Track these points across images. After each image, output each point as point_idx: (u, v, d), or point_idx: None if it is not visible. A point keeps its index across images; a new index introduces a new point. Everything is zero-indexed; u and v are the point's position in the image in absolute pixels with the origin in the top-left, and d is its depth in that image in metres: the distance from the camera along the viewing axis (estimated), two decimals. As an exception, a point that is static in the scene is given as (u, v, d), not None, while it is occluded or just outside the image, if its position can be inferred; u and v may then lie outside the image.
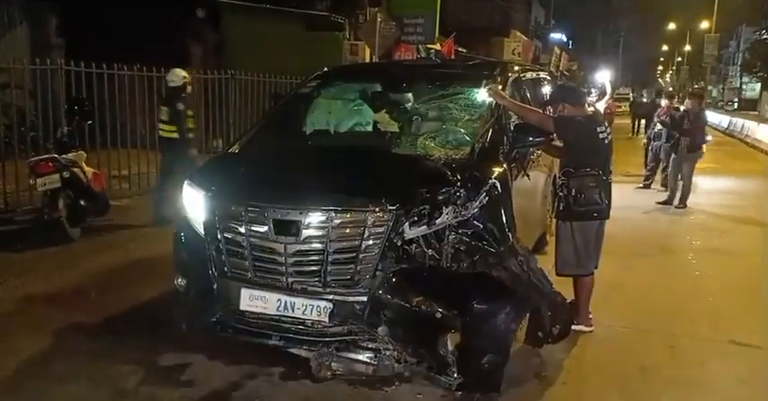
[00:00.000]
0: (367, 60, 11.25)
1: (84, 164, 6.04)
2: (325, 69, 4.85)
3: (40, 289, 4.44)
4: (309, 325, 2.97)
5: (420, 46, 13.21)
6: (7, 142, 6.92)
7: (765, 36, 34.46)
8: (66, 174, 5.60)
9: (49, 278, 4.68)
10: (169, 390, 3.08)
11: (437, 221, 2.98)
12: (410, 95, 4.46)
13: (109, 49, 7.83)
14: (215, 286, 3.13)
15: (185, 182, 3.47)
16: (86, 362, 3.34)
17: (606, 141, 3.80)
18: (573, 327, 3.62)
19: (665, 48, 64.39)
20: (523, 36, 25.61)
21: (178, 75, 6.39)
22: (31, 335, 3.67)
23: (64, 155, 5.76)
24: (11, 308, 4.08)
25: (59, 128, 6.54)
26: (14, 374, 3.24)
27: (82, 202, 5.80)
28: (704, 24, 42.97)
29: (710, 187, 9.63)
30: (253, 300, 3.03)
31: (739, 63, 38.11)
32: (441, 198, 3.01)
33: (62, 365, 3.32)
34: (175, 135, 6.24)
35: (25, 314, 4.01)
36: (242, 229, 3.05)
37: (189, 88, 6.46)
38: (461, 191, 3.04)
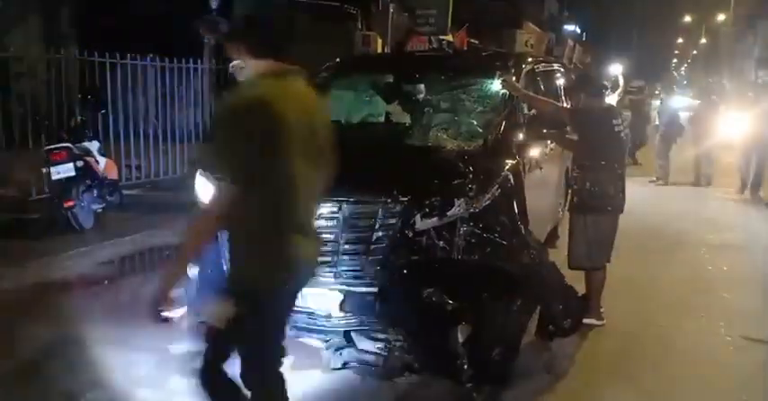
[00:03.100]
0: (379, 51, 11.20)
1: (97, 154, 6.08)
2: (337, 60, 4.84)
3: (52, 277, 4.49)
4: (320, 315, 2.98)
5: (432, 37, 13.12)
6: (21, 131, 6.97)
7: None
8: (79, 163, 5.64)
9: (61, 266, 4.73)
10: (181, 378, 3.10)
11: (448, 213, 2.97)
12: (423, 86, 4.43)
13: (121, 40, 7.85)
14: (226, 276, 3.14)
15: (198, 170, 3.47)
16: (99, 349, 3.37)
17: (622, 134, 3.77)
18: (584, 321, 3.61)
19: (680, 40, 63.62)
20: (536, 28, 25.36)
21: (234, 64, 6.63)
22: (44, 322, 3.72)
23: (77, 144, 5.80)
24: (24, 295, 4.13)
25: (73, 117, 6.58)
26: (28, 360, 3.28)
27: (95, 191, 5.84)
28: (721, 17, 42.38)
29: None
30: (264, 290, 3.03)
31: (756, 57, 37.55)
32: (452, 190, 3.00)
33: (74, 352, 3.35)
34: None
35: (38, 301, 4.06)
36: (254, 219, 3.05)
37: (240, 77, 6.63)
38: (473, 183, 3.03)
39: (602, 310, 3.85)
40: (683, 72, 69.48)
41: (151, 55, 7.90)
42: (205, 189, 3.34)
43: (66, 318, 3.79)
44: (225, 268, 3.13)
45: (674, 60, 73.71)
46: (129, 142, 7.73)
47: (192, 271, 3.35)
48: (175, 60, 8.16)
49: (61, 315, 3.84)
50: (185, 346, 3.39)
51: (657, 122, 9.89)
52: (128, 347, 3.40)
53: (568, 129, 3.87)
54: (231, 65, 7.72)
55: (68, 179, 5.54)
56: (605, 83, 4.61)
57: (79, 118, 6.31)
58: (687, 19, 52.96)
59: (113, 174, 6.26)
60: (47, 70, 7.23)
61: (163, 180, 7.65)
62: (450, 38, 14.02)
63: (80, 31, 10.74)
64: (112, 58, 7.41)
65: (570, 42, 28.11)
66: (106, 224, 5.88)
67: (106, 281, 4.45)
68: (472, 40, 15.81)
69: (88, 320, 3.78)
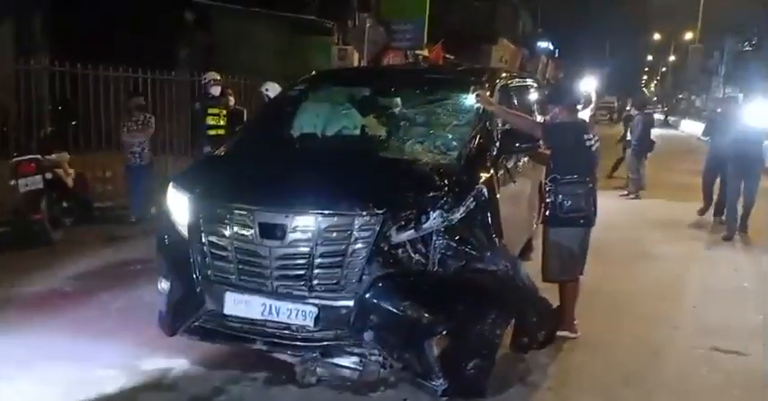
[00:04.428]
0: (355, 65, 11.26)
1: (66, 166, 5.97)
2: (314, 73, 4.84)
3: (20, 292, 4.36)
4: (294, 329, 2.94)
5: (409, 52, 13.25)
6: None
7: (747, 48, 35.08)
8: (48, 175, 5.54)
9: (29, 280, 4.60)
10: (151, 395, 3.04)
11: (424, 226, 2.97)
12: (398, 100, 4.46)
13: (94, 51, 7.75)
14: (198, 289, 3.09)
15: (170, 183, 3.43)
16: (67, 366, 3.28)
17: (593, 148, 3.83)
18: (558, 333, 3.63)
19: (650, 58, 65.36)
20: (511, 44, 25.82)
21: (205, 76, 7.08)
22: (10, 338, 3.60)
23: (47, 156, 5.69)
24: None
25: (43, 128, 6.47)
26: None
27: (64, 204, 5.74)
28: (689, 35, 43.66)
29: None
30: (237, 304, 2.99)
31: (722, 73, 38.71)
32: (428, 202, 3.00)
33: (42, 369, 3.25)
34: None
35: (4, 317, 3.93)
36: (227, 232, 3.02)
37: (213, 89, 6.76)
38: (449, 195, 3.04)
39: (576, 322, 3.88)
40: (652, 88, 71.30)
41: (123, 66, 7.80)
42: (176, 202, 3.30)
43: (33, 334, 3.67)
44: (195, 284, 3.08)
45: (644, 77, 75.61)
46: (101, 154, 7.60)
47: (164, 286, 3.29)
48: (149, 72, 8.08)
49: (28, 330, 3.73)
50: (155, 362, 3.33)
51: (629, 137, 10.07)
52: (97, 363, 3.31)
53: (541, 143, 3.92)
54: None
55: (36, 191, 5.43)
56: (579, 97, 4.69)
57: (49, 129, 6.21)
58: (656, 36, 54.51)
59: (83, 187, 6.14)
60: (16, 81, 7.10)
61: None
62: (426, 52, 14.18)
63: (51, 41, 10.58)
64: (84, 69, 7.30)
65: (544, 58, 28.69)
66: (75, 237, 5.76)
67: (74, 296, 4.33)
68: (448, 55, 16.00)
69: (56, 336, 3.68)
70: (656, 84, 73.64)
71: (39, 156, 5.60)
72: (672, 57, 55.78)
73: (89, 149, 7.15)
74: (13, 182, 5.48)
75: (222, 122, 6.80)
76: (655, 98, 51.91)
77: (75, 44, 8.63)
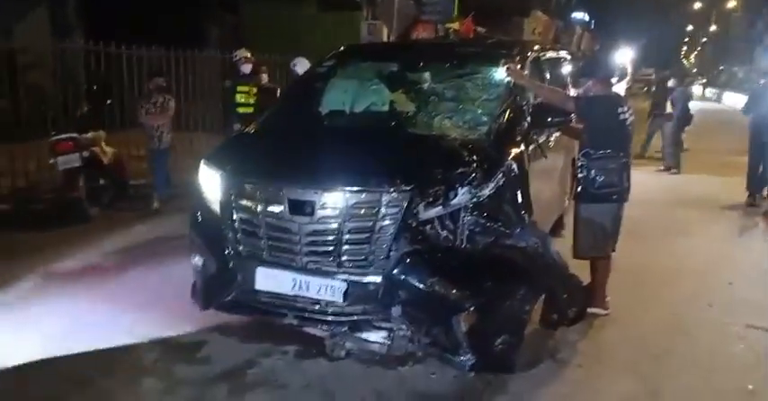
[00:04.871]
0: (385, 39, 11.13)
1: (103, 144, 6.10)
2: (342, 49, 4.80)
3: (59, 268, 4.52)
4: (324, 304, 2.98)
5: (439, 25, 13.01)
6: (28, 121, 7.01)
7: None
8: (85, 154, 5.67)
9: (68, 256, 4.76)
10: (185, 367, 3.13)
11: (452, 202, 2.96)
12: (427, 75, 4.40)
13: (127, 31, 7.84)
14: (230, 265, 3.15)
15: (202, 161, 3.48)
16: (104, 339, 3.40)
17: (627, 122, 3.73)
18: (589, 310, 3.60)
19: (689, 27, 62.78)
20: (544, 15, 25.10)
21: (236, 54, 6.89)
22: (51, 313, 3.74)
23: (83, 135, 5.82)
24: (31, 286, 4.15)
25: (79, 107, 6.60)
26: (36, 348, 3.31)
27: (101, 181, 5.88)
28: (731, 3, 41.77)
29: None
30: (267, 279, 3.04)
31: (766, 43, 36.99)
32: (456, 179, 2.98)
33: (81, 342, 3.38)
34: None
35: (45, 292, 4.08)
36: (257, 209, 3.06)
37: (243, 67, 6.71)
38: (477, 171, 3.01)
39: (607, 299, 3.84)
40: (692, 60, 68.69)
41: (155, 46, 7.88)
42: (208, 179, 3.35)
43: (71, 307, 3.82)
44: (227, 260, 3.14)
45: (684, 48, 72.83)
46: (135, 133, 7.74)
47: (197, 261, 3.37)
48: (180, 51, 8.14)
49: (66, 303, 3.87)
50: (189, 335, 3.44)
51: (670, 110, 9.71)
52: (133, 336, 3.42)
53: (574, 117, 3.83)
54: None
55: (74, 169, 5.57)
56: (614, 70, 4.55)
57: (85, 108, 6.33)
58: (697, 5, 52.25)
59: (119, 165, 6.28)
60: (53, 61, 7.25)
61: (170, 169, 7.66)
62: (456, 26, 13.90)
63: (85, 21, 10.75)
64: (118, 49, 7.40)
65: (578, 30, 27.83)
66: (112, 214, 5.91)
67: (111, 271, 4.47)
68: (479, 28, 15.66)
69: (92, 309, 3.82)
70: (696, 56, 70.88)
71: (76, 135, 5.73)
72: (713, 27, 53.48)
73: (123, 128, 7.28)
74: (51, 161, 5.63)
75: (252, 100, 6.81)
76: (695, 70, 50.01)
77: (107, 24, 8.76)
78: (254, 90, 6.77)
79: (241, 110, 6.69)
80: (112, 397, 2.87)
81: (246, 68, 6.84)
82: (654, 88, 11.66)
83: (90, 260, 4.72)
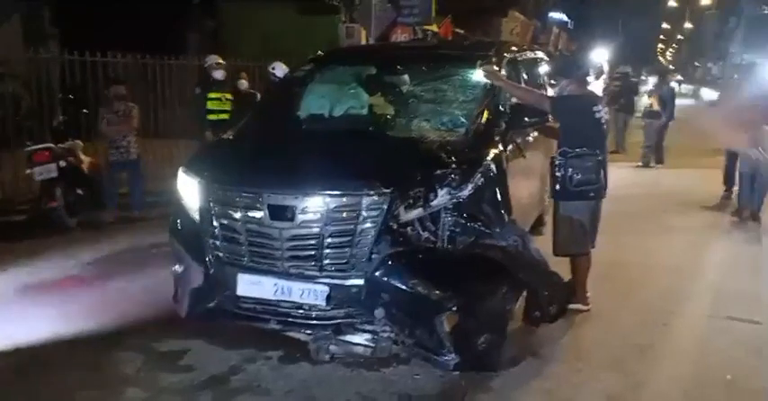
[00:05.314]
0: (363, 43, 11.14)
1: (80, 153, 6.03)
2: (320, 53, 4.81)
3: (37, 279, 4.46)
4: (307, 308, 2.99)
5: (417, 28, 13.06)
6: (3, 132, 6.91)
7: (766, 11, 34.03)
8: (62, 164, 5.60)
9: (46, 267, 4.70)
10: (169, 375, 3.11)
11: (432, 203, 2.98)
12: (405, 77, 4.43)
13: (103, 38, 7.77)
14: (212, 272, 3.14)
15: (180, 168, 3.46)
16: (86, 349, 3.37)
17: (603, 121, 3.79)
18: (570, 306, 3.63)
19: (665, 25, 63.72)
20: (522, 16, 25.31)
21: (207, 60, 6.85)
22: (30, 324, 3.69)
23: (60, 145, 5.75)
24: (9, 298, 4.10)
25: (55, 117, 6.52)
26: (16, 362, 3.27)
27: (79, 191, 5.81)
28: (705, 1, 42.47)
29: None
30: (249, 285, 3.03)
31: (740, 39, 37.68)
32: (436, 180, 3.00)
33: (62, 352, 3.34)
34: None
35: (23, 303, 4.03)
36: (237, 215, 3.05)
37: (216, 73, 6.64)
38: (456, 172, 3.04)
39: (588, 295, 3.88)
40: (669, 57, 69.76)
41: (132, 53, 7.82)
42: (187, 186, 3.33)
43: (52, 318, 3.77)
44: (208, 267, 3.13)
45: (661, 45, 73.89)
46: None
47: (178, 269, 3.35)
48: (157, 58, 8.09)
49: (46, 315, 3.82)
50: (172, 343, 3.41)
51: (657, 108, 9.84)
52: (116, 346, 3.39)
53: (550, 117, 3.88)
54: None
55: (51, 180, 5.51)
56: (589, 69, 4.61)
57: (61, 118, 6.26)
58: (672, 3, 53.08)
59: (97, 174, 6.21)
60: (28, 70, 7.15)
61: (149, 177, 7.59)
62: (434, 28, 13.96)
63: (61, 29, 10.63)
64: (93, 57, 7.33)
65: (556, 30, 28.07)
66: (90, 224, 5.85)
67: (92, 281, 4.42)
68: (457, 30, 15.75)
69: (74, 320, 3.77)
70: (672, 53, 71.98)
71: (52, 145, 5.66)
72: (688, 25, 54.39)
73: (100, 137, 7.20)
74: (28, 171, 5.56)
75: (226, 107, 6.75)
76: (671, 67, 50.78)
77: (84, 32, 8.67)
78: (228, 96, 6.73)
79: (213, 117, 6.63)
80: (95, 409, 2.83)
81: (219, 74, 6.78)
82: (616, 82, 11.88)
83: (69, 270, 4.67)
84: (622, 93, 10.57)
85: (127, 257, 4.96)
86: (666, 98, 9.79)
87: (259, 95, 6.95)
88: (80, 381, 3.05)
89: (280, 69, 6.92)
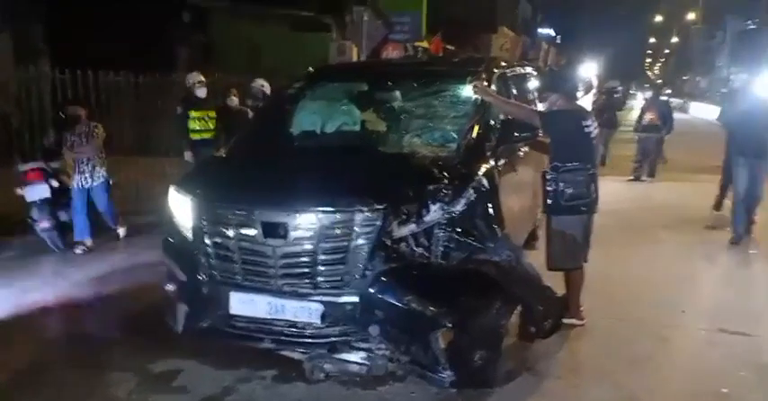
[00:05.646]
0: (355, 59, 11.24)
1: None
2: (311, 70, 4.84)
3: (30, 299, 4.41)
4: (301, 327, 2.96)
5: (408, 44, 13.20)
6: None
7: (751, 26, 34.69)
8: (54, 183, 5.56)
9: (38, 287, 4.65)
10: (162, 397, 3.07)
11: (425, 219, 2.98)
12: (397, 94, 4.46)
13: (94, 54, 7.79)
14: (205, 290, 3.12)
15: (172, 187, 3.45)
16: (78, 370, 3.32)
17: (592, 135, 3.82)
18: (564, 321, 3.64)
19: (652, 40, 64.77)
20: (511, 32, 25.66)
21: (188, 79, 6.58)
22: (22, 344, 3.65)
23: (51, 164, 5.72)
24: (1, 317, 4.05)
25: (46, 135, 6.49)
26: (7, 383, 3.22)
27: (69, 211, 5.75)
28: (691, 16, 43.19)
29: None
30: (243, 304, 3.02)
31: (726, 53, 38.31)
32: (428, 195, 3.01)
33: (54, 373, 3.30)
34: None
35: (14, 324, 3.98)
36: (230, 233, 3.04)
37: (199, 91, 6.58)
38: (449, 188, 3.05)
39: (582, 309, 3.89)
40: (656, 71, 70.70)
41: (123, 70, 7.84)
42: (179, 204, 3.32)
43: (43, 340, 3.73)
44: (200, 285, 3.10)
45: (648, 60, 74.97)
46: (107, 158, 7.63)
47: (170, 288, 3.32)
48: (148, 74, 8.11)
49: (38, 336, 3.78)
50: (165, 364, 3.37)
51: (656, 122, 9.93)
52: (108, 367, 3.35)
53: (541, 132, 3.91)
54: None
55: (43, 200, 5.47)
56: (578, 84, 4.66)
57: (52, 136, 6.22)
58: (658, 18, 54.01)
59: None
60: (18, 88, 7.15)
61: (141, 195, 7.57)
62: (425, 44, 14.12)
63: (51, 47, 10.63)
64: (84, 75, 7.34)
65: (545, 45, 28.47)
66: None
67: (84, 300, 4.38)
68: (448, 46, 15.93)
69: (65, 341, 3.73)
70: (660, 67, 72.97)
71: (43, 164, 5.62)
72: (674, 39, 55.27)
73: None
74: (19, 191, 5.51)
75: (210, 125, 6.67)
76: (659, 81, 51.50)
77: (75, 49, 8.67)
78: (211, 114, 6.65)
79: (195, 136, 6.55)
80: (86, 432, 2.79)
81: (201, 92, 6.66)
82: (602, 97, 12.03)
83: (62, 289, 4.62)
84: (605, 109, 10.73)
85: (120, 276, 4.92)
86: (665, 112, 9.93)
87: (251, 112, 6.92)
88: (71, 404, 3.01)
89: (267, 86, 7.00)
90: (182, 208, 3.29)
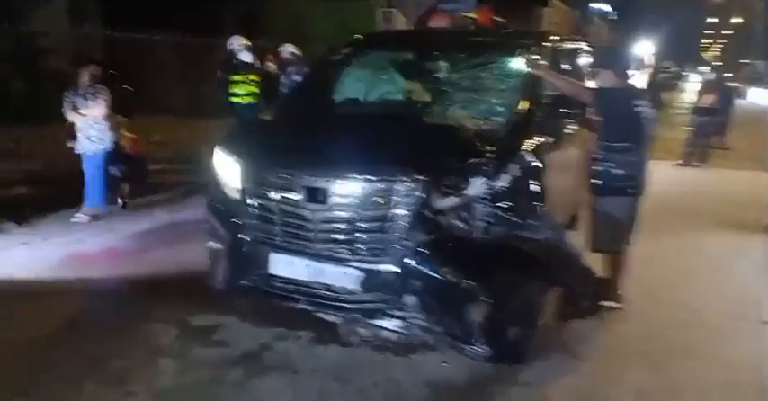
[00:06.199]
0: (401, 28, 11.08)
1: (123, 130, 6.13)
2: (357, 37, 4.79)
3: (78, 251, 4.59)
4: (337, 291, 3.01)
5: (456, 14, 12.91)
6: (48, 106, 7.07)
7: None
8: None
9: (87, 240, 4.84)
10: (202, 349, 3.18)
11: (467, 193, 2.95)
12: (443, 64, 4.38)
13: (144, 18, 7.88)
14: (246, 250, 3.19)
15: (217, 147, 3.50)
16: (123, 320, 3.47)
17: (645, 115, 3.69)
18: (603, 303, 3.59)
19: (711, 20, 61.67)
20: (563, 5, 24.82)
21: (231, 42, 6.62)
22: (70, 295, 3.82)
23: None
24: (50, 270, 4.23)
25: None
26: (55, 330, 3.38)
27: (120, 166, 5.91)
28: (756, -6, 40.81)
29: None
30: (282, 265, 3.07)
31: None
32: (471, 169, 2.97)
33: (100, 322, 3.45)
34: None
35: (64, 275, 4.15)
36: (272, 195, 3.08)
37: (243, 55, 6.57)
38: (493, 162, 3.00)
39: (622, 293, 3.82)
40: (713, 52, 67.51)
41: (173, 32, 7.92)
42: (224, 165, 3.37)
43: (89, 290, 3.88)
44: (242, 245, 3.17)
45: (706, 40, 71.56)
46: (153, 118, 7.80)
47: (213, 246, 3.40)
48: (197, 37, 8.17)
49: (84, 287, 3.94)
50: (205, 318, 3.49)
51: (710, 103, 9.54)
52: (151, 318, 3.48)
53: (591, 109, 3.80)
54: (229, 43, 7.50)
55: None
56: (631, 62, 4.50)
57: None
58: (720, -4, 51.31)
59: (138, 150, 6.32)
60: (71, 45, 7.31)
61: (188, 155, 7.73)
62: (473, 15, 13.78)
63: (105, 7, 10.81)
64: (136, 34, 7.44)
65: (597, 21, 27.41)
66: (131, 198, 5.97)
67: (130, 254, 4.54)
68: (497, 18, 15.51)
69: (111, 292, 3.88)
70: (718, 48, 69.63)
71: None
72: (736, 19, 52.49)
73: (141, 113, 7.33)
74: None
75: (252, 88, 6.69)
76: (717, 63, 49.18)
77: (126, 11, 8.79)
78: (252, 77, 6.66)
79: (237, 99, 6.61)
80: (130, 377, 2.92)
81: (246, 56, 6.66)
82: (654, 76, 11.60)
83: (109, 243, 4.79)
84: (649, 89, 10.31)
85: (165, 233, 5.07)
86: (727, 96, 9.50)
87: (282, 77, 6.98)
88: (115, 350, 3.14)
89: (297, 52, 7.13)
90: (226, 168, 3.34)
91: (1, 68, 6.02)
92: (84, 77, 5.31)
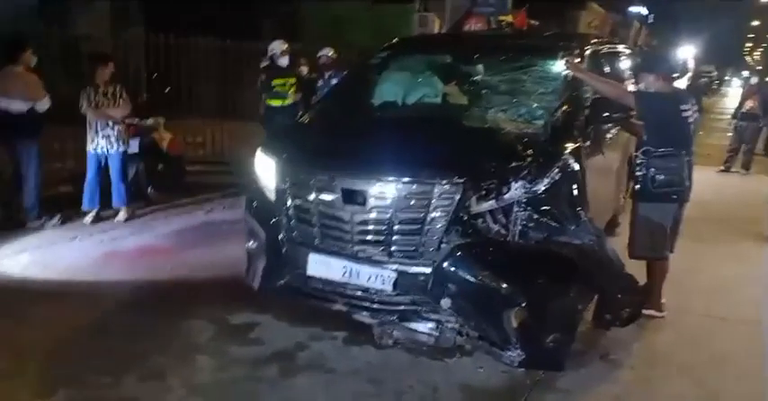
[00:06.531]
0: (437, 32, 11.07)
1: (162, 130, 6.30)
2: (395, 40, 4.80)
3: (116, 248, 4.71)
4: (373, 293, 3.01)
5: (492, 17, 12.82)
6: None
7: None
8: (145, 139, 5.86)
9: (125, 237, 4.96)
10: (238, 347, 3.23)
11: (505, 196, 2.92)
12: (481, 67, 4.35)
13: (185, 23, 8.07)
14: (284, 250, 3.22)
15: (258, 148, 3.55)
16: (160, 318, 3.53)
17: (690, 120, 3.60)
18: (643, 311, 3.50)
19: (755, 22, 59.72)
20: (601, 9, 24.38)
21: (273, 47, 6.75)
22: (107, 292, 3.91)
23: (143, 121, 6.02)
24: (87, 266, 4.33)
25: (139, 94, 6.82)
26: (98, 326, 3.47)
27: (159, 166, 6.07)
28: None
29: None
30: (319, 266, 3.09)
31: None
32: (510, 173, 2.94)
33: (137, 319, 3.52)
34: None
35: (101, 272, 4.25)
36: (311, 196, 3.10)
37: (281, 60, 6.68)
38: (532, 166, 2.96)
39: (663, 302, 3.73)
40: (756, 56, 65.48)
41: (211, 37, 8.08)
42: (264, 166, 3.42)
43: (126, 287, 3.97)
44: (280, 245, 3.20)
45: (749, 44, 69.41)
46: (191, 120, 7.97)
47: (251, 246, 3.45)
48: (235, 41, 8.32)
49: (122, 283, 4.03)
50: (242, 317, 3.53)
51: (756, 110, 9.27)
52: (188, 315, 3.54)
53: (633, 113, 3.72)
54: (271, 48, 7.61)
55: (133, 154, 5.77)
56: (674, 65, 4.40)
57: (145, 95, 6.54)
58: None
59: (177, 150, 6.47)
60: (114, 49, 7.52)
61: (224, 156, 7.88)
62: (509, 18, 13.66)
63: (147, 12, 11.10)
64: (176, 39, 7.62)
65: (636, 24, 26.83)
66: (169, 198, 6.10)
67: (167, 252, 4.63)
68: (533, 21, 15.34)
69: (148, 288, 3.97)
70: (761, 52, 67.46)
71: (136, 120, 5.91)
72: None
73: (180, 115, 7.49)
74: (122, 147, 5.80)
75: (290, 91, 6.79)
76: (759, 67, 47.67)
77: (167, 15, 9.02)
78: (291, 80, 6.77)
79: (275, 103, 6.70)
80: (168, 373, 2.97)
81: (284, 61, 6.79)
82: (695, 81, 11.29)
83: (148, 241, 4.90)
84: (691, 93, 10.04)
85: (202, 231, 5.17)
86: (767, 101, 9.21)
87: (320, 80, 7.08)
88: (153, 347, 3.20)
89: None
90: (266, 169, 3.39)
91: (50, 71, 6.23)
92: (105, 74, 5.23)
